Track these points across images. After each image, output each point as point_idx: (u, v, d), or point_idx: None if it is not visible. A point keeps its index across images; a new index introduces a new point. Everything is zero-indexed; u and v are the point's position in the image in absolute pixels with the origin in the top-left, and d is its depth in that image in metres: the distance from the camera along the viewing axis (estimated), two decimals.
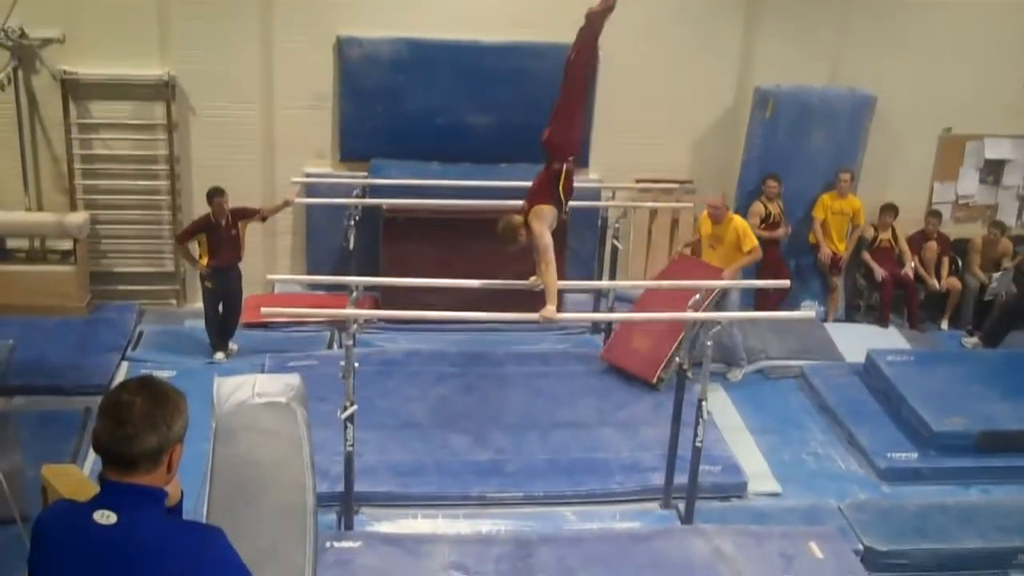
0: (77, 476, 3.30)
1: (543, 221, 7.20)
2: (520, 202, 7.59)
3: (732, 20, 11.59)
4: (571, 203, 8.14)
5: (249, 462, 5.63)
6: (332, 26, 11.07)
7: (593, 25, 7.39)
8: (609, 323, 10.68)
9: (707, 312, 8.22)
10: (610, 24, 11.05)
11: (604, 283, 10.61)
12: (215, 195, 9.78)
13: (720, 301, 9.76)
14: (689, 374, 7.75)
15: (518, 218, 7.36)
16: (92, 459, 7.14)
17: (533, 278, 7.59)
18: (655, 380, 9.61)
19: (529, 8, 11.13)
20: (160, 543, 2.91)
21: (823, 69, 11.65)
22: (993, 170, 12.49)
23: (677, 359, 7.86)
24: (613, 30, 11.03)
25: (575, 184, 7.58)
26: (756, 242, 10.07)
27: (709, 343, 7.37)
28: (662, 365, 9.58)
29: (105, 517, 2.89)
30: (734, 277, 9.82)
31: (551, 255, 7.15)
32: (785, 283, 9.02)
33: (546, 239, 7.15)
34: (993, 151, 12.38)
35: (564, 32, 11.08)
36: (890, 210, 11.74)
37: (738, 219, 10.24)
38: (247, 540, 3.87)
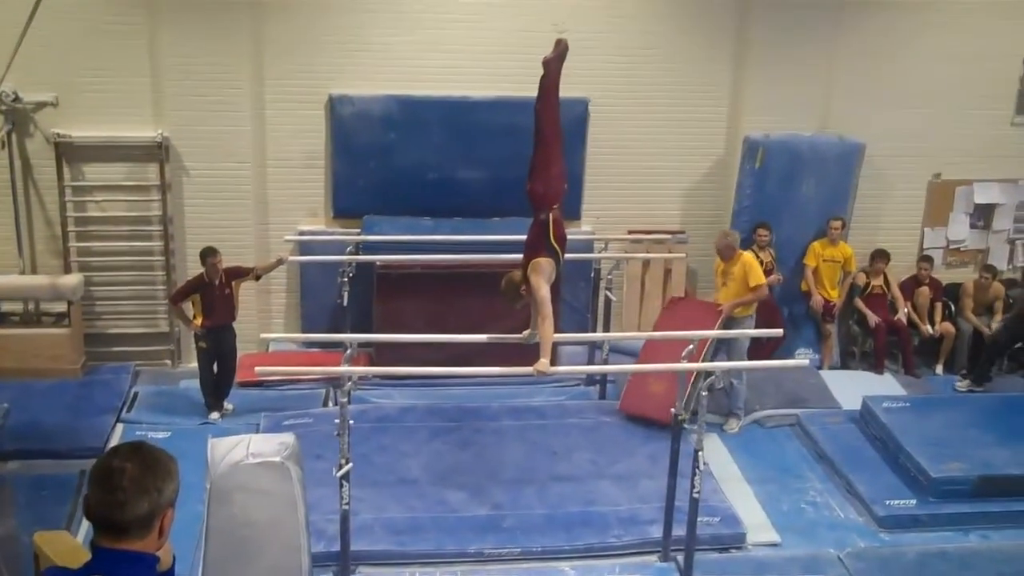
0: (69, 542, 3.29)
1: (541, 274, 7.22)
2: (517, 256, 7.61)
3: (720, 71, 11.70)
4: (564, 255, 8.20)
5: (244, 523, 5.63)
6: (323, 85, 11.14)
7: (549, 71, 7.50)
8: (604, 375, 10.68)
9: (704, 361, 8.23)
10: (599, 76, 11.27)
11: (598, 335, 10.63)
12: (209, 255, 9.80)
13: (731, 344, 9.96)
14: (685, 424, 7.74)
15: (518, 273, 7.39)
16: (87, 524, 7.10)
17: (526, 332, 7.61)
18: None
19: (518, 64, 11.15)
20: None
21: (812, 117, 11.75)
22: (983, 214, 12.55)
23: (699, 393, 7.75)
24: (602, 82, 11.27)
25: (567, 232, 7.60)
26: (763, 279, 10.15)
27: (704, 393, 7.37)
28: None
29: None
30: (733, 312, 9.95)
31: (548, 308, 7.16)
32: (779, 332, 9.02)
33: (543, 292, 7.17)
34: (982, 196, 12.45)
35: None
36: (881, 256, 11.79)
37: (746, 256, 10.29)
38: None
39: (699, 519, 7.68)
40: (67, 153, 10.85)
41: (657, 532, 8.08)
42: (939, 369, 11.94)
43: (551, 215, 7.35)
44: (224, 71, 10.82)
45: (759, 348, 10.70)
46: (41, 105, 10.69)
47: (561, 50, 7.43)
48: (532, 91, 10.85)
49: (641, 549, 8.16)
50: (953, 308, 12.16)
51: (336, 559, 7.46)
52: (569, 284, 10.89)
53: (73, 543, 3.20)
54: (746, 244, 11.24)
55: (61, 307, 10.99)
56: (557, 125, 7.56)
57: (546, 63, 7.45)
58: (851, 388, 10.98)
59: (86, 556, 3.02)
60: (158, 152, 10.90)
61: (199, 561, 5.77)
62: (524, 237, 7.55)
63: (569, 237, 7.64)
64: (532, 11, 11.16)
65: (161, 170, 10.96)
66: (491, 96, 11.28)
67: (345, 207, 11.49)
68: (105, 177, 11.04)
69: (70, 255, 11.11)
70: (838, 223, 11.42)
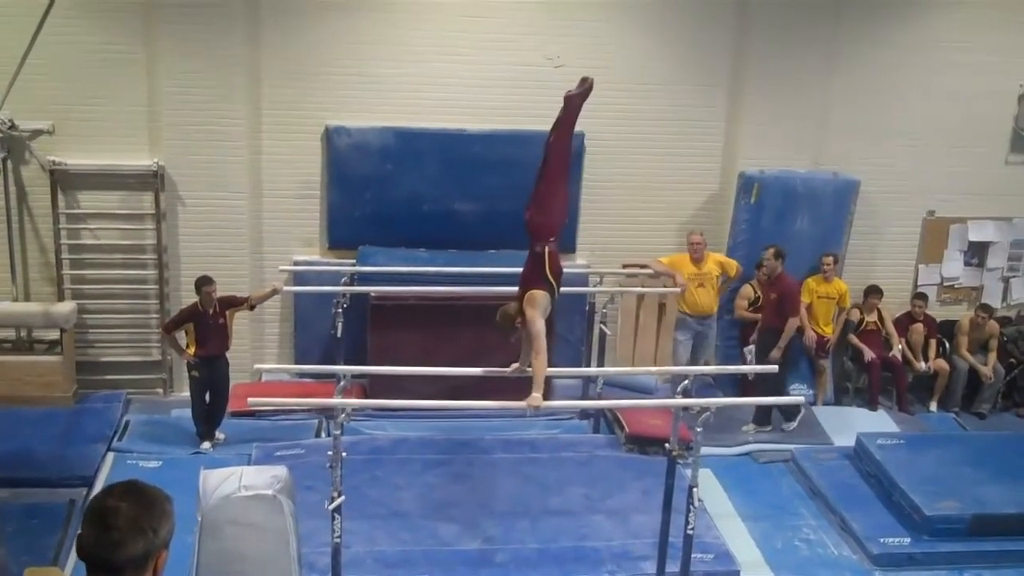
0: None
1: (536, 307, 7.22)
2: (512, 288, 7.61)
3: (715, 106, 11.75)
4: (560, 289, 8.20)
5: (235, 557, 5.59)
6: (320, 115, 11.17)
7: (571, 107, 7.51)
8: (599, 410, 10.66)
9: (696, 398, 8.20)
10: (595, 111, 11.28)
11: (592, 369, 10.59)
12: (204, 284, 9.78)
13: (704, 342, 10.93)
14: (680, 460, 7.73)
15: (514, 305, 7.39)
16: (76, 557, 7.04)
17: (515, 365, 7.60)
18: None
19: (513, 97, 11.26)
20: None
21: (806, 154, 11.80)
22: (977, 252, 12.59)
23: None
24: (598, 117, 11.29)
25: (563, 265, 7.60)
26: (737, 263, 10.88)
27: (699, 429, 7.35)
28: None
29: None
30: (708, 310, 11.00)
31: (542, 342, 7.15)
32: (773, 368, 9.01)
33: (538, 325, 7.16)
34: (977, 234, 12.49)
35: (548, 120, 11.30)
36: (875, 292, 11.81)
37: (715, 254, 10.93)
38: None
39: (693, 555, 7.64)
40: (62, 180, 10.84)
41: (651, 568, 8.03)
42: (933, 406, 11.95)
43: (547, 248, 7.36)
44: (221, 100, 10.83)
45: (752, 384, 10.72)
46: (37, 133, 10.70)
47: (586, 88, 7.47)
48: (527, 125, 11.01)
49: None
50: (947, 345, 12.16)
51: None
52: (564, 317, 10.89)
53: None
54: (745, 279, 11.35)
55: (54, 335, 10.96)
56: (567, 160, 7.61)
57: (569, 99, 7.49)
58: (845, 424, 11.01)
59: None
60: (153, 181, 10.89)
61: None
62: (519, 270, 7.55)
63: (564, 270, 7.65)
64: (528, 46, 11.23)
65: (156, 199, 10.95)
66: (487, 129, 11.32)
67: (340, 238, 11.49)
68: (100, 205, 11.03)
69: (64, 282, 11.09)
70: (830, 259, 11.44)
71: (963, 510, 8.98)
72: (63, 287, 11.09)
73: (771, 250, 10.74)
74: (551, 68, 11.21)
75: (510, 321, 7.37)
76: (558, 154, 7.54)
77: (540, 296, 7.28)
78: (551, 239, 7.44)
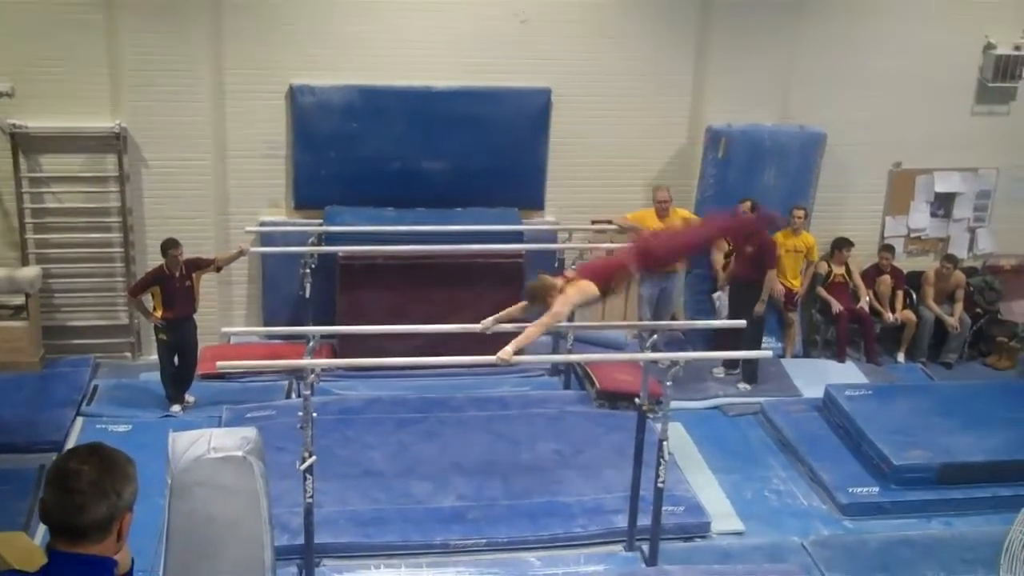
0: (26, 544, 3.21)
1: (582, 296, 7.26)
2: (479, 246, 7.60)
3: (682, 61, 11.70)
4: (526, 246, 8.27)
5: (206, 519, 5.58)
6: (284, 75, 11.06)
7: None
8: (569, 364, 10.69)
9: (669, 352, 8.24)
10: (562, 66, 11.29)
11: (562, 324, 10.59)
12: (170, 247, 9.70)
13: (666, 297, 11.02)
14: (650, 414, 7.77)
15: (556, 282, 7.37)
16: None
17: (489, 319, 7.59)
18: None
19: (480, 54, 11.18)
20: None
21: (773, 107, 11.81)
22: (943, 203, 12.66)
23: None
24: (565, 72, 11.26)
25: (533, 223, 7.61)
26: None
27: (669, 383, 7.38)
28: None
29: None
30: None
31: (554, 321, 7.24)
32: (742, 323, 9.05)
33: (565, 311, 7.23)
34: (943, 185, 12.54)
35: (515, 77, 11.27)
36: (844, 244, 11.84)
37: (680, 210, 11.00)
38: None
39: (664, 508, 7.69)
40: (23, 144, 10.68)
41: (622, 522, 8.09)
42: (901, 357, 12.04)
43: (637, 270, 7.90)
44: (183, 61, 10.70)
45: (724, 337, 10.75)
46: None
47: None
48: (494, 82, 11.01)
49: (606, 539, 8.16)
50: (915, 296, 12.24)
51: (300, 552, 7.41)
52: (532, 273, 10.84)
53: (30, 545, 3.12)
54: None
55: (19, 300, 10.84)
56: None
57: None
58: (813, 376, 11.06)
59: (42, 559, 2.96)
60: (116, 143, 10.77)
61: (161, 557, 5.70)
62: (488, 227, 7.55)
63: (532, 226, 7.65)
64: (495, 1, 11.13)
65: (119, 161, 10.82)
66: (454, 86, 11.24)
67: (307, 198, 11.41)
68: (62, 168, 10.90)
69: (27, 247, 10.96)
70: (801, 212, 11.44)
71: (931, 459, 9.07)
72: (27, 252, 10.96)
73: (748, 203, 10.75)
74: (518, 24, 11.14)
75: (543, 293, 7.31)
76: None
77: (591, 292, 7.29)
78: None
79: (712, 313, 11.27)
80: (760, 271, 10.55)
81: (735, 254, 11.04)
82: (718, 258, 11.49)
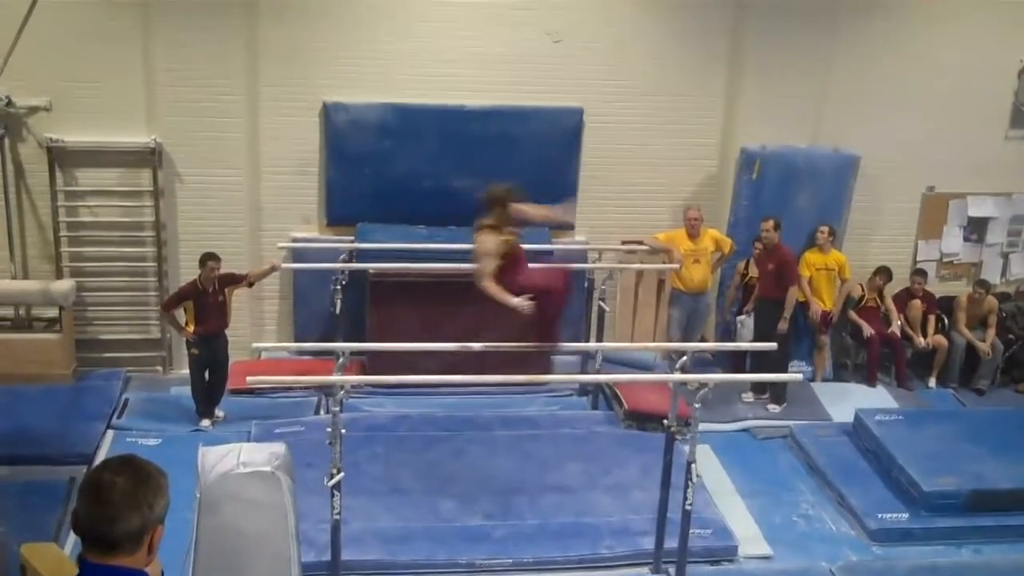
0: (56, 555, 3.26)
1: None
2: None
3: (715, 82, 11.69)
4: (556, 265, 8.35)
5: (233, 533, 5.59)
6: (318, 92, 11.13)
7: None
8: (597, 384, 10.67)
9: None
10: (594, 87, 11.31)
11: (591, 344, 10.59)
12: (208, 259, 9.75)
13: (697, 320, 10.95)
14: (678, 436, 7.74)
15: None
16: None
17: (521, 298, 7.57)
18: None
19: (513, 73, 11.22)
20: None
21: (806, 129, 11.76)
22: (976, 228, 12.58)
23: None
24: (597, 93, 11.27)
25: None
26: (732, 241, 11.10)
27: (697, 405, 7.35)
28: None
29: None
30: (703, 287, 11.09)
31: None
32: (772, 345, 8.99)
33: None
34: (976, 209, 12.47)
35: (548, 96, 11.30)
36: (883, 273, 11.77)
37: (711, 230, 11.04)
38: None
39: (691, 531, 7.65)
40: (60, 158, 10.80)
41: (649, 544, 8.05)
42: (932, 382, 11.94)
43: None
44: (218, 77, 10.79)
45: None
46: (34, 110, 10.66)
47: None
48: (526, 101, 11.07)
49: (633, 561, 8.14)
50: (946, 321, 12.16)
51: (327, 569, 7.40)
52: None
53: (61, 556, 3.16)
54: (744, 254, 11.34)
55: (53, 312, 10.97)
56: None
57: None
58: (844, 400, 11.01)
59: (73, 571, 2.98)
60: (151, 157, 10.86)
61: (188, 570, 5.73)
62: None
63: (563, 245, 7.67)
64: (528, 21, 11.17)
65: (154, 176, 10.92)
66: (486, 105, 11.27)
67: (339, 214, 11.47)
68: (98, 182, 11.00)
69: (62, 260, 11.08)
70: (825, 229, 11.35)
71: (961, 485, 8.99)
72: (61, 265, 11.08)
73: (771, 221, 10.70)
74: (550, 43, 11.18)
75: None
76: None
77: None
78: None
79: (734, 337, 11.25)
80: (782, 288, 10.51)
81: (760, 274, 11.00)
82: (734, 279, 11.57)
